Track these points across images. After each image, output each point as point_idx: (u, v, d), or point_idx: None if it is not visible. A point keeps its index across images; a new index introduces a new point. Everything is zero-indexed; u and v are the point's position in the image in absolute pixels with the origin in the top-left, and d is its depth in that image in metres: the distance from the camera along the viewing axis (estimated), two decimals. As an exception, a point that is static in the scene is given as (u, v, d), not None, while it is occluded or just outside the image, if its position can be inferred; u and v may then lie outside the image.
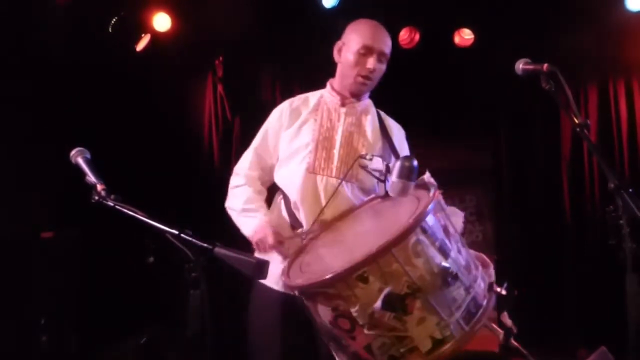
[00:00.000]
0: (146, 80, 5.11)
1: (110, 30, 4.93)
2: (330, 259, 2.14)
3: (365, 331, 1.91)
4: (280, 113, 2.73)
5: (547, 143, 5.97)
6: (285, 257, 2.40)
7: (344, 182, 2.54)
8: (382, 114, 2.85)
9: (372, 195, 2.55)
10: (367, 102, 2.79)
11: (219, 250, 1.86)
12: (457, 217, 2.31)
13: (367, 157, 2.41)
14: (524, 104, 5.79)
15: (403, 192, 2.18)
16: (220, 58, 5.68)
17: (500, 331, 2.14)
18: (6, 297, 4.12)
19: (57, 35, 4.55)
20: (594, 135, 5.87)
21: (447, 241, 2.03)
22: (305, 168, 2.59)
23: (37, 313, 4.25)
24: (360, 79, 2.65)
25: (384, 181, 2.37)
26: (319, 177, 2.57)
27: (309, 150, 2.61)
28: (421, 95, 5.96)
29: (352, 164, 2.49)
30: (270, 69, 5.83)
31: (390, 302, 1.86)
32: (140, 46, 5.14)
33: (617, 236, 1.90)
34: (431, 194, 2.10)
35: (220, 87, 5.74)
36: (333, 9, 5.12)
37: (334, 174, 2.58)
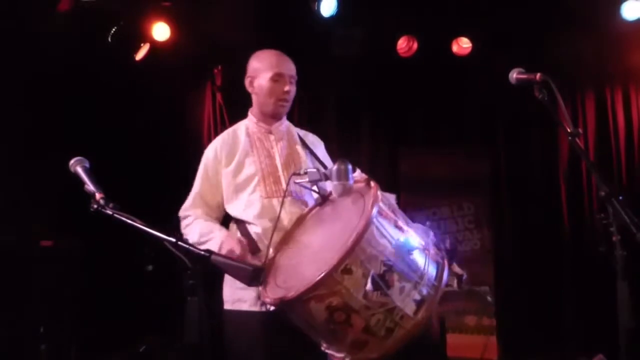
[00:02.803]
0: (145, 89, 5.14)
1: (110, 39, 4.95)
2: (304, 268, 2.31)
3: (361, 315, 2.14)
4: (215, 152, 2.85)
5: (545, 150, 6.00)
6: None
7: (298, 198, 2.73)
8: (300, 131, 3.01)
9: (310, 206, 2.71)
10: (287, 123, 2.97)
11: (216, 258, 1.89)
12: (392, 200, 2.68)
13: (301, 172, 2.60)
14: (522, 112, 5.81)
15: (344, 192, 2.41)
16: (219, 67, 5.71)
17: (454, 278, 2.47)
18: (6, 306, 4.13)
19: (57, 44, 4.58)
20: (591, 143, 5.90)
21: (397, 220, 2.33)
22: (260, 196, 2.73)
23: (37, 321, 4.26)
24: (279, 103, 2.84)
25: (317, 191, 2.59)
26: (274, 200, 2.69)
27: (257, 180, 2.75)
28: (419, 104, 6.00)
29: (287, 182, 2.67)
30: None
31: (375, 283, 2.12)
32: (140, 55, 5.17)
33: (608, 243, 1.93)
34: (372, 184, 2.37)
35: (219, 96, 5.77)
36: (331, 18, 5.15)
37: (287, 192, 2.72)
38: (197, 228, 2.75)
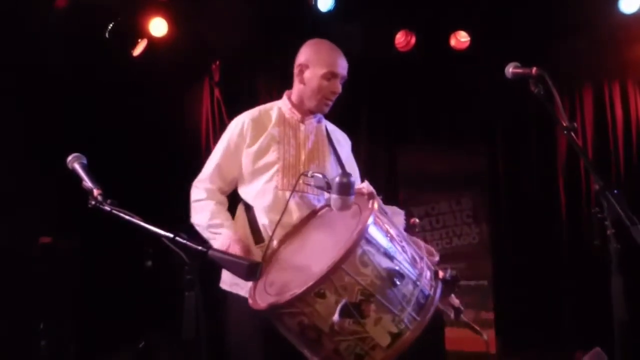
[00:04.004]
0: (143, 84, 5.14)
1: (107, 35, 4.95)
2: (290, 278, 2.29)
3: (331, 339, 2.11)
4: (241, 128, 2.78)
5: (543, 145, 6.00)
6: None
7: (311, 194, 2.70)
8: (331, 126, 2.95)
9: (321, 204, 2.68)
10: (319, 116, 2.89)
11: (213, 253, 1.90)
12: (398, 216, 2.55)
13: (309, 174, 2.50)
14: (520, 107, 5.81)
15: (343, 207, 2.30)
16: (217, 62, 5.71)
17: (451, 310, 2.37)
18: (6, 302, 4.14)
19: (54, 40, 4.58)
20: (589, 137, 5.91)
21: (391, 244, 2.21)
22: (274, 186, 2.70)
23: (37, 318, 4.28)
24: (324, 101, 2.78)
25: (329, 191, 2.49)
26: (287, 193, 2.66)
27: (277, 169, 2.71)
28: (417, 99, 6.00)
29: (297, 180, 2.63)
30: (267, 72, 5.86)
31: (347, 311, 2.06)
32: (137, 51, 5.17)
33: (603, 237, 1.94)
34: (370, 205, 2.27)
35: (217, 92, 5.77)
36: (329, 12, 5.15)
37: (301, 188, 2.70)
38: (208, 212, 2.72)
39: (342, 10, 5.17)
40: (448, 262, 5.69)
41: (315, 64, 2.75)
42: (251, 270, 1.94)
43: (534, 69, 2.21)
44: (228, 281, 2.73)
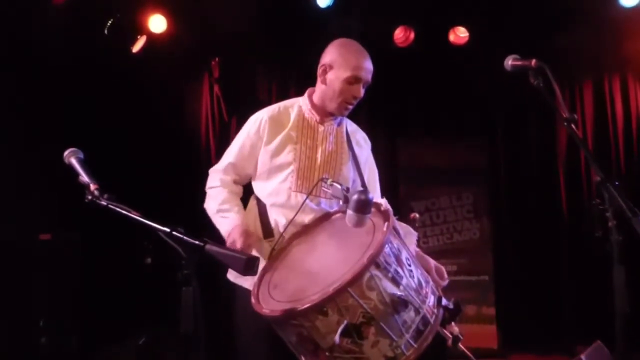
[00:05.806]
0: (142, 81, 5.13)
1: (106, 32, 4.95)
2: (296, 285, 2.28)
3: (327, 354, 2.12)
4: (259, 125, 2.74)
5: (543, 139, 6.00)
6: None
7: (324, 199, 2.66)
8: (351, 127, 2.89)
9: (336, 209, 2.64)
10: (340, 117, 2.83)
11: (210, 247, 1.89)
12: (411, 237, 2.53)
13: (328, 182, 2.48)
14: (520, 101, 5.81)
15: (359, 224, 2.27)
16: (216, 59, 5.70)
17: (450, 336, 2.33)
18: (6, 298, 4.14)
19: (53, 37, 4.57)
20: (589, 131, 5.90)
21: (399, 269, 2.18)
22: (288, 187, 2.67)
23: (37, 314, 4.27)
24: (344, 105, 2.71)
25: (345, 204, 2.44)
26: (300, 195, 2.64)
27: (292, 170, 2.68)
28: (417, 94, 5.99)
29: (315, 185, 2.61)
30: (266, 68, 5.85)
31: (348, 332, 2.06)
32: (136, 48, 5.17)
33: (603, 229, 1.93)
34: (385, 227, 2.21)
35: (216, 88, 5.76)
36: (328, 8, 5.14)
37: (316, 193, 2.68)
38: (220, 198, 2.72)
39: (341, 6, 5.16)
40: (449, 258, 5.70)
41: (340, 66, 2.67)
42: (248, 265, 1.93)
43: (534, 61, 2.18)
44: (233, 273, 2.71)
